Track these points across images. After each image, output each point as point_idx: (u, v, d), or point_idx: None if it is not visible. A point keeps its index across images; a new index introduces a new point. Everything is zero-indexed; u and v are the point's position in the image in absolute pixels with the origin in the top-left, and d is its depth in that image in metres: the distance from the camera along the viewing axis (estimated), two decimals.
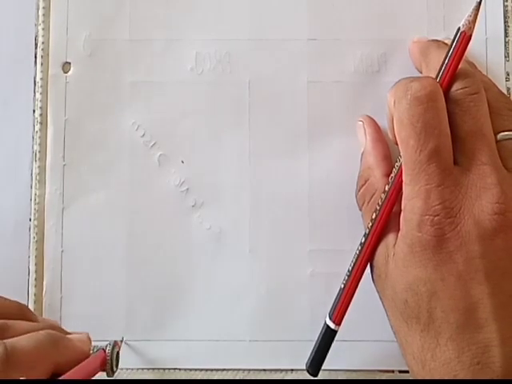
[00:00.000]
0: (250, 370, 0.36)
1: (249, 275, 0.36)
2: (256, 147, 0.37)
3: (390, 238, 0.31)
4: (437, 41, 0.36)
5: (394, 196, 0.32)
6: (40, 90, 0.37)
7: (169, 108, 0.37)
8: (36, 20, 0.38)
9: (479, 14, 0.31)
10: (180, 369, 0.36)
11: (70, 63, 0.37)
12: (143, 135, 0.37)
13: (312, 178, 0.37)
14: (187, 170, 0.37)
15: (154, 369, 0.36)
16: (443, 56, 0.31)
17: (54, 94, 0.37)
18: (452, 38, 0.31)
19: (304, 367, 0.34)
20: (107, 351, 0.32)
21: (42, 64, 0.37)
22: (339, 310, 0.33)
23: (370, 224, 0.32)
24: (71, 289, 0.36)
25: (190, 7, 0.38)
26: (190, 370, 0.36)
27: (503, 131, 0.31)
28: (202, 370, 0.36)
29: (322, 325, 0.33)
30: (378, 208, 0.32)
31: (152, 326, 0.36)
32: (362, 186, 0.35)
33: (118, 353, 0.32)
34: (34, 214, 0.37)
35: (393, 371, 0.36)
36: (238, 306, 0.36)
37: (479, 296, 0.29)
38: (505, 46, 0.37)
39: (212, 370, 0.36)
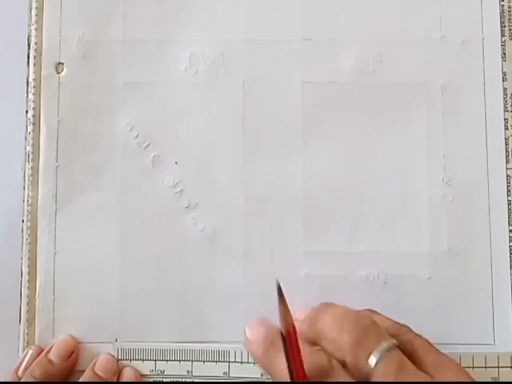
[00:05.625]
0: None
1: (243, 276, 0.36)
2: (250, 148, 0.37)
3: None
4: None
5: None
6: (33, 90, 0.37)
7: (162, 109, 0.37)
8: (29, 20, 0.38)
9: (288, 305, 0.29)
10: None
11: (63, 64, 0.37)
12: (137, 136, 0.37)
13: (306, 178, 0.37)
14: (181, 171, 0.37)
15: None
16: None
17: (46, 94, 0.37)
18: None
19: None
20: None
21: (34, 64, 0.37)
22: None
23: None
24: (64, 290, 0.36)
25: (183, 7, 0.38)
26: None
27: None
28: None
29: None
30: None
31: (145, 328, 0.36)
32: None
33: None
34: (27, 216, 0.37)
35: None
36: (232, 308, 0.36)
37: None
38: (501, 45, 0.37)
39: None
